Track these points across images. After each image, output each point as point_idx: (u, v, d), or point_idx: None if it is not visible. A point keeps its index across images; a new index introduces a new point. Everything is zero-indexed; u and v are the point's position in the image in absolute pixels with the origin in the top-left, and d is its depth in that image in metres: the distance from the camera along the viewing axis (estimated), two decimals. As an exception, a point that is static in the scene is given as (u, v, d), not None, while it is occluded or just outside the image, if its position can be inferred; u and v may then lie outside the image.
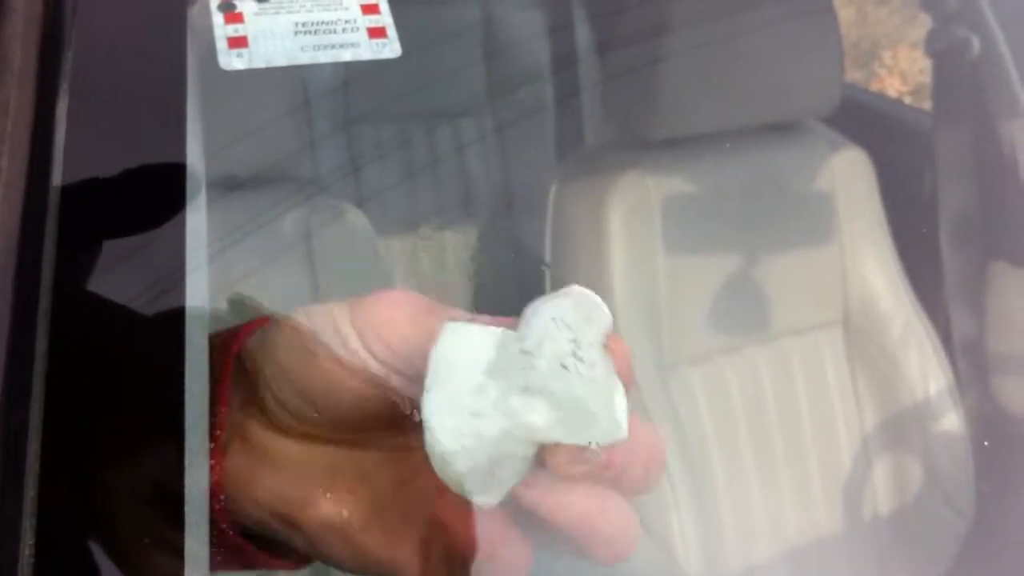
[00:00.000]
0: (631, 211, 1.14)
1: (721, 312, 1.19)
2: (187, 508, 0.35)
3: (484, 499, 0.32)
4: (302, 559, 0.39)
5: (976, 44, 1.25)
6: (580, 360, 0.32)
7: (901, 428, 1.25)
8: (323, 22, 0.42)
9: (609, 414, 0.32)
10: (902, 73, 2.37)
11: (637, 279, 1.13)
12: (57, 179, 0.39)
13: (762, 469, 1.19)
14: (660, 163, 1.17)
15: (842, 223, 1.26)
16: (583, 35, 1.46)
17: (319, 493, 0.36)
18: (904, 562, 1.24)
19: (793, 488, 1.21)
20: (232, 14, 0.41)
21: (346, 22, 0.42)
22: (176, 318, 0.39)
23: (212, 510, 0.36)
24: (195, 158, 0.42)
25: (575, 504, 0.33)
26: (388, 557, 0.36)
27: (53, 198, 0.39)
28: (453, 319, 0.33)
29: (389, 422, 0.35)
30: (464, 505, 0.33)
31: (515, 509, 0.33)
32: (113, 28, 0.43)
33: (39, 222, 0.39)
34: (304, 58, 0.42)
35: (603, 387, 0.32)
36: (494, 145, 1.49)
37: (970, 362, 1.27)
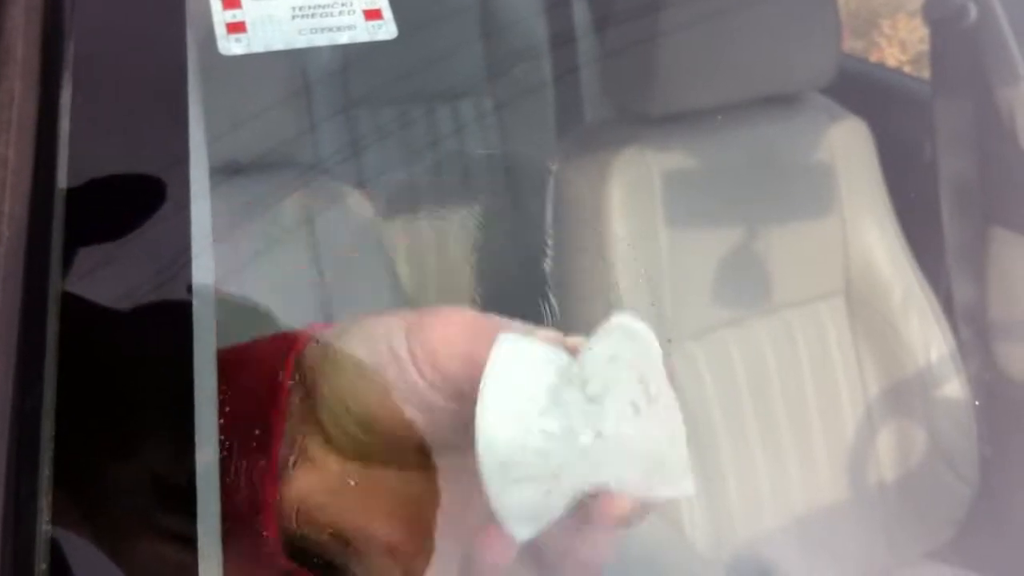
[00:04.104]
0: (632, 187, 1.14)
1: (723, 285, 1.19)
2: (199, 494, 0.36)
3: (523, 529, 0.31)
4: None
5: (973, 11, 1.25)
6: (649, 399, 0.31)
7: (904, 396, 1.25)
8: (319, 5, 0.43)
9: (679, 464, 0.31)
10: (902, 42, 2.35)
11: (639, 255, 1.13)
12: (63, 168, 0.40)
13: (767, 440, 1.20)
14: (660, 138, 1.17)
15: (842, 193, 1.27)
16: (581, 12, 1.45)
17: (378, 518, 0.35)
18: (910, 529, 1.25)
19: (798, 458, 1.22)
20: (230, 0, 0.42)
21: (342, 5, 0.43)
22: (183, 302, 0.39)
23: (262, 527, 0.35)
24: (197, 144, 0.42)
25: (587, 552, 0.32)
26: None
27: (60, 186, 0.40)
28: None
29: (442, 448, 0.34)
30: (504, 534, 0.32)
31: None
32: (113, 17, 0.43)
33: (47, 210, 0.39)
34: (301, 42, 0.42)
35: (671, 430, 0.31)
36: (494, 125, 1.49)
37: (971, 328, 1.27)
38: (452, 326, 0.34)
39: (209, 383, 0.37)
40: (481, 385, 0.31)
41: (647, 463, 0.30)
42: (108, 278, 0.39)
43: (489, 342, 0.32)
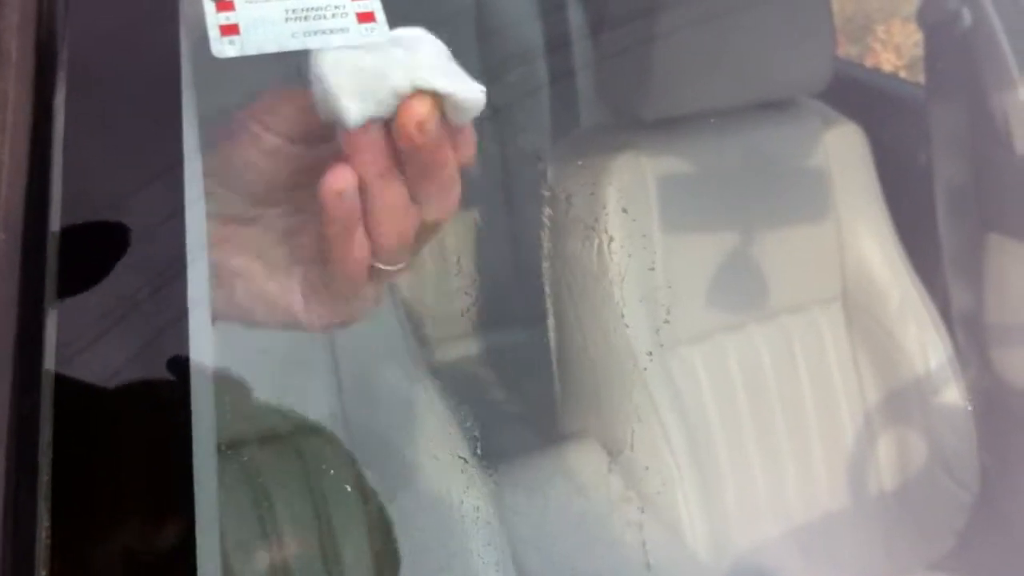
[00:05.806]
0: (627, 191, 1.14)
1: (720, 290, 1.19)
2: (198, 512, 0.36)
3: (353, 104, 0.38)
4: None
5: (967, 16, 1.25)
6: (448, 57, 0.40)
7: (902, 402, 1.25)
8: (312, 8, 0.43)
9: (479, 88, 0.40)
10: (897, 47, 2.36)
11: (634, 259, 1.13)
12: (57, 170, 0.40)
13: (765, 446, 1.20)
14: (655, 143, 1.17)
15: (838, 198, 1.27)
16: (576, 16, 1.45)
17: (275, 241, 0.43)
18: (910, 536, 1.24)
19: (796, 465, 1.22)
20: (223, 2, 0.41)
21: (335, 7, 0.43)
22: (178, 304, 0.39)
23: None
24: (191, 147, 0.42)
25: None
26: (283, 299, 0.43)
27: (55, 189, 0.40)
28: None
29: (299, 186, 0.42)
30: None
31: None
32: (107, 20, 0.43)
33: (42, 213, 0.39)
34: (294, 44, 0.42)
35: (467, 79, 0.40)
36: (489, 128, 1.49)
37: (969, 334, 1.27)
38: (281, 91, 0.43)
39: (206, 379, 0.38)
40: (311, 61, 0.39)
41: (451, 73, 0.40)
42: (104, 277, 0.39)
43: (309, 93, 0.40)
